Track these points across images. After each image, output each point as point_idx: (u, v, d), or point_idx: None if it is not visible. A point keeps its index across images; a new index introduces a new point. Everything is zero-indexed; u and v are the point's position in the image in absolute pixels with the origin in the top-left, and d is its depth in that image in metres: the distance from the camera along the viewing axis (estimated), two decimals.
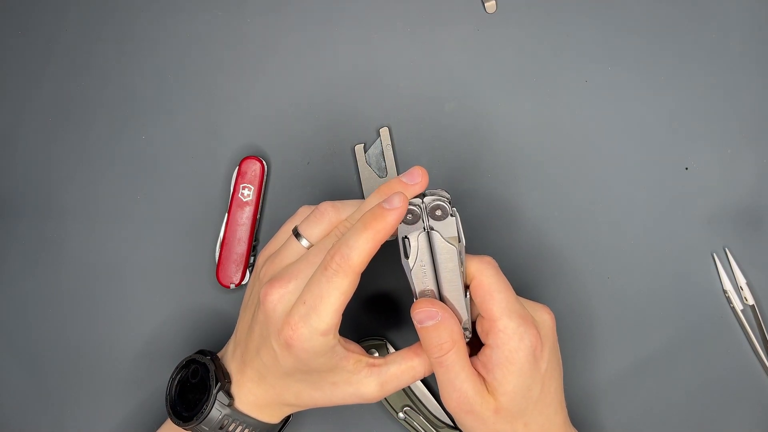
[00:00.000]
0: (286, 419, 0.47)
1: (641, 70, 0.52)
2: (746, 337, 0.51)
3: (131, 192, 0.53)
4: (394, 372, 0.43)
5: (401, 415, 0.51)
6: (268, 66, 0.53)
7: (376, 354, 0.51)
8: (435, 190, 0.42)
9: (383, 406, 0.51)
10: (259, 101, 0.53)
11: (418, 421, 0.51)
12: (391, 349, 0.51)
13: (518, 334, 0.41)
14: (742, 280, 0.51)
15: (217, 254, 0.51)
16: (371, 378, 0.43)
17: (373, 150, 0.52)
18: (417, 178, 0.41)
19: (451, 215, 0.41)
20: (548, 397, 0.43)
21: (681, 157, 0.52)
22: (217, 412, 0.43)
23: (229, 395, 0.44)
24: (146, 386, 0.52)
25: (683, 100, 0.52)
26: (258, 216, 0.52)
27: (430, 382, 0.52)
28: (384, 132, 0.52)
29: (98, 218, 0.53)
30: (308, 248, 0.43)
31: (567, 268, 0.52)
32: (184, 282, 0.53)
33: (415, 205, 0.41)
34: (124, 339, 0.52)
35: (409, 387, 0.51)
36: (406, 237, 0.41)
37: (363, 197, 0.52)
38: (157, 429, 0.47)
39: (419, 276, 0.42)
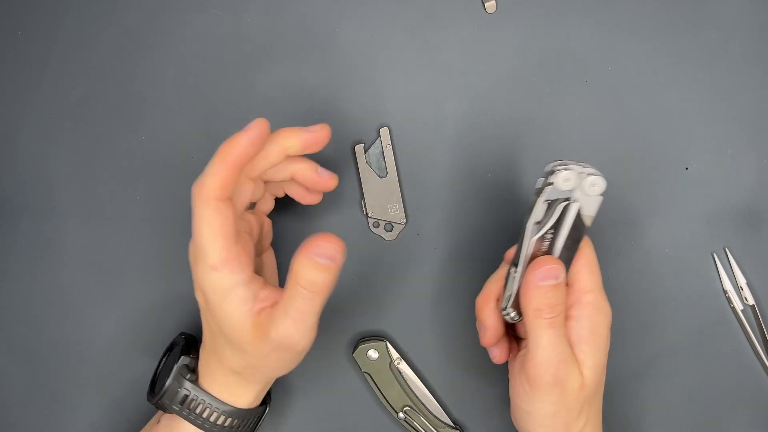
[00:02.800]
0: (262, 413, 0.46)
1: (641, 70, 0.52)
2: (746, 337, 0.51)
3: (131, 192, 0.53)
4: (296, 305, 0.40)
5: (401, 415, 0.51)
6: (268, 66, 0.53)
7: (376, 354, 0.51)
8: (592, 168, 0.41)
9: (383, 406, 0.51)
10: (259, 101, 0.53)
11: (418, 421, 0.51)
12: (392, 350, 0.51)
13: (606, 308, 0.42)
14: (742, 280, 0.51)
15: None
16: (283, 319, 0.40)
17: (373, 150, 0.52)
18: (314, 129, 0.42)
19: (601, 195, 0.40)
20: (604, 380, 0.43)
21: (681, 157, 0.52)
22: (176, 384, 0.43)
23: (192, 371, 0.44)
24: (146, 385, 0.52)
25: (683, 100, 0.52)
26: None
27: (430, 382, 0.52)
28: (384, 132, 0.52)
29: (98, 218, 0.53)
30: None
31: None
32: (184, 281, 0.53)
33: (575, 173, 0.40)
34: (123, 338, 0.52)
35: (409, 387, 0.51)
36: (551, 200, 0.40)
37: (363, 197, 0.52)
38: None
39: (543, 243, 0.41)
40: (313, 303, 0.40)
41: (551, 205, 0.41)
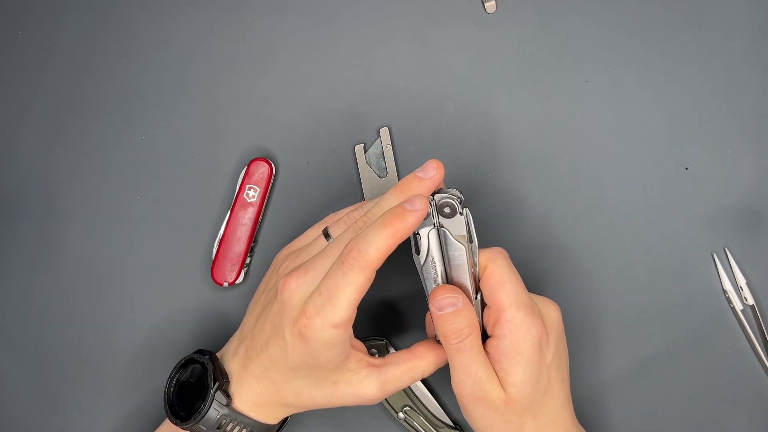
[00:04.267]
0: (283, 422, 0.47)
1: (641, 70, 0.52)
2: (746, 337, 0.51)
3: (131, 192, 0.53)
4: (393, 373, 0.43)
5: (401, 415, 0.51)
6: (268, 66, 0.53)
7: (377, 354, 0.51)
8: (449, 189, 0.42)
9: (383, 406, 0.51)
10: (259, 102, 0.53)
11: (418, 421, 0.51)
12: (392, 350, 0.51)
13: (525, 324, 0.41)
14: (742, 280, 0.51)
15: (214, 252, 0.51)
16: (371, 378, 0.43)
17: (373, 150, 0.52)
18: (431, 172, 0.42)
19: (461, 214, 0.41)
20: (555, 388, 0.43)
21: (681, 157, 0.52)
22: (214, 411, 0.43)
23: (227, 395, 0.44)
24: (146, 385, 0.52)
25: (683, 100, 0.52)
26: (260, 217, 0.52)
27: (430, 382, 0.52)
28: (384, 132, 0.52)
29: (98, 218, 0.53)
30: None
31: (567, 268, 0.52)
32: (183, 281, 0.53)
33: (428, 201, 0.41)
34: (123, 338, 0.52)
35: (409, 387, 0.51)
36: (417, 233, 0.41)
37: (363, 197, 0.52)
38: (156, 428, 0.47)
39: (430, 273, 0.42)
40: (407, 380, 0.44)
41: (420, 236, 0.42)
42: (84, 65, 0.53)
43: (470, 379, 0.41)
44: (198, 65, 0.53)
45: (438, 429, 0.51)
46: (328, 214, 0.53)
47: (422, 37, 0.52)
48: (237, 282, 0.51)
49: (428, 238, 0.41)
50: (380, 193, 0.52)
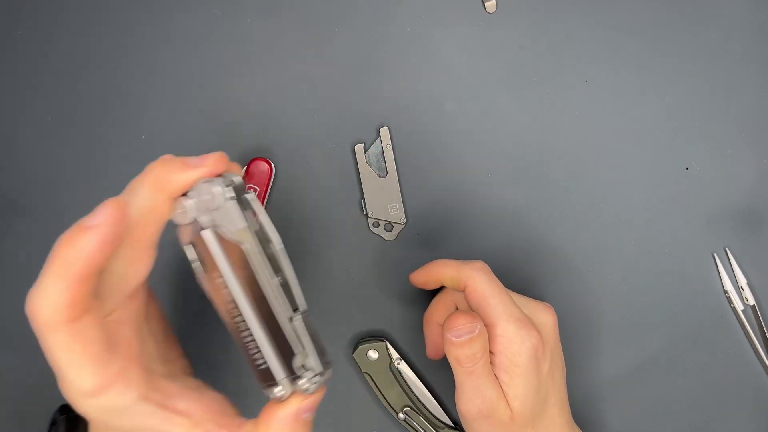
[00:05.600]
0: None
1: (641, 70, 0.52)
2: (747, 337, 0.51)
3: None
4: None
5: (401, 415, 0.51)
6: (268, 66, 0.53)
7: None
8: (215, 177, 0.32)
9: (383, 407, 0.51)
10: (258, 101, 0.53)
11: (418, 422, 0.51)
12: (392, 350, 0.51)
13: (519, 336, 0.41)
14: (742, 280, 0.51)
15: None
16: None
17: (373, 150, 0.52)
18: (199, 162, 0.32)
19: (230, 199, 0.31)
20: (553, 397, 0.43)
21: (681, 157, 0.52)
22: None
23: None
24: None
25: (683, 100, 0.52)
26: None
27: (430, 382, 0.52)
28: (384, 132, 0.52)
29: None
30: None
31: (567, 268, 0.52)
32: (184, 281, 0.53)
33: (191, 201, 0.32)
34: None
35: (409, 387, 0.51)
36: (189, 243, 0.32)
37: (363, 197, 0.52)
38: None
39: (220, 293, 0.31)
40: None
41: (194, 245, 0.33)
42: (84, 65, 0.53)
43: (479, 399, 0.41)
44: (198, 65, 0.53)
45: (438, 429, 0.51)
46: (328, 214, 0.53)
47: (422, 37, 0.52)
48: None
49: (193, 247, 0.31)
50: (380, 193, 0.52)
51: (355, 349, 0.51)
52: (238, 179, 0.32)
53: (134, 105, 0.53)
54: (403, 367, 0.51)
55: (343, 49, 0.53)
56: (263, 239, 0.32)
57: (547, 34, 0.52)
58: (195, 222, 0.32)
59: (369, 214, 0.52)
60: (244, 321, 0.33)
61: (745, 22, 0.52)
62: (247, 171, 0.51)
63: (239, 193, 0.31)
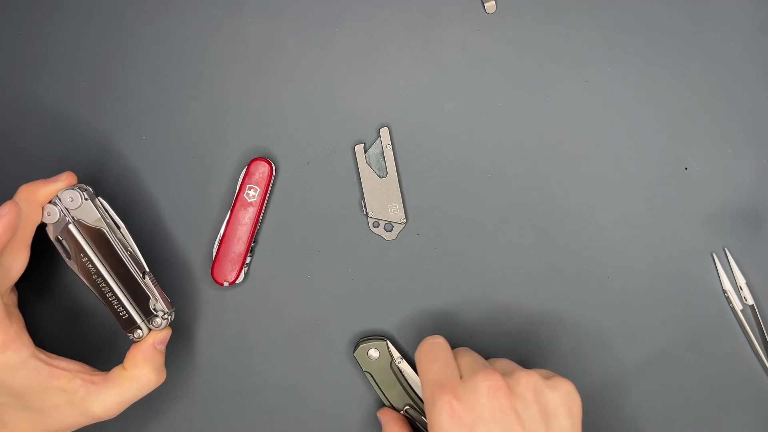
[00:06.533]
0: None
1: (641, 70, 0.52)
2: (746, 337, 0.51)
3: (131, 192, 0.53)
4: (117, 388, 0.43)
5: (402, 414, 0.51)
6: (268, 66, 0.53)
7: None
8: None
9: (384, 405, 0.51)
10: (258, 101, 0.53)
11: (419, 421, 0.51)
12: (393, 349, 0.51)
13: (430, 402, 0.41)
14: (741, 280, 0.51)
15: (215, 251, 0.51)
16: (95, 396, 0.43)
17: (373, 150, 0.52)
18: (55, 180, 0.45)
19: (86, 200, 0.45)
20: None
21: (681, 157, 0.52)
22: None
23: None
24: None
25: (683, 100, 0.52)
26: (260, 217, 0.52)
27: None
28: (384, 132, 0.52)
29: None
30: None
31: (567, 268, 0.52)
32: (184, 281, 0.53)
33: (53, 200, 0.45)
34: (123, 338, 0.52)
35: (410, 386, 0.51)
36: (57, 237, 0.45)
37: (363, 197, 0.52)
38: None
39: (86, 268, 0.45)
40: (135, 391, 0.45)
41: (61, 238, 0.45)
42: (84, 65, 0.53)
43: None
44: (198, 65, 0.53)
45: None
46: (328, 214, 0.53)
47: (422, 37, 0.52)
48: (237, 282, 0.52)
49: (59, 240, 0.45)
50: (380, 193, 0.52)
51: (355, 348, 0.51)
52: (89, 188, 0.46)
53: (134, 105, 0.53)
54: (404, 366, 0.51)
55: (343, 49, 0.53)
56: (113, 226, 0.46)
57: (546, 34, 0.52)
58: (59, 221, 0.45)
59: (369, 214, 0.52)
60: (107, 285, 0.46)
61: (745, 22, 0.52)
62: (247, 171, 0.51)
63: (92, 196, 0.46)
